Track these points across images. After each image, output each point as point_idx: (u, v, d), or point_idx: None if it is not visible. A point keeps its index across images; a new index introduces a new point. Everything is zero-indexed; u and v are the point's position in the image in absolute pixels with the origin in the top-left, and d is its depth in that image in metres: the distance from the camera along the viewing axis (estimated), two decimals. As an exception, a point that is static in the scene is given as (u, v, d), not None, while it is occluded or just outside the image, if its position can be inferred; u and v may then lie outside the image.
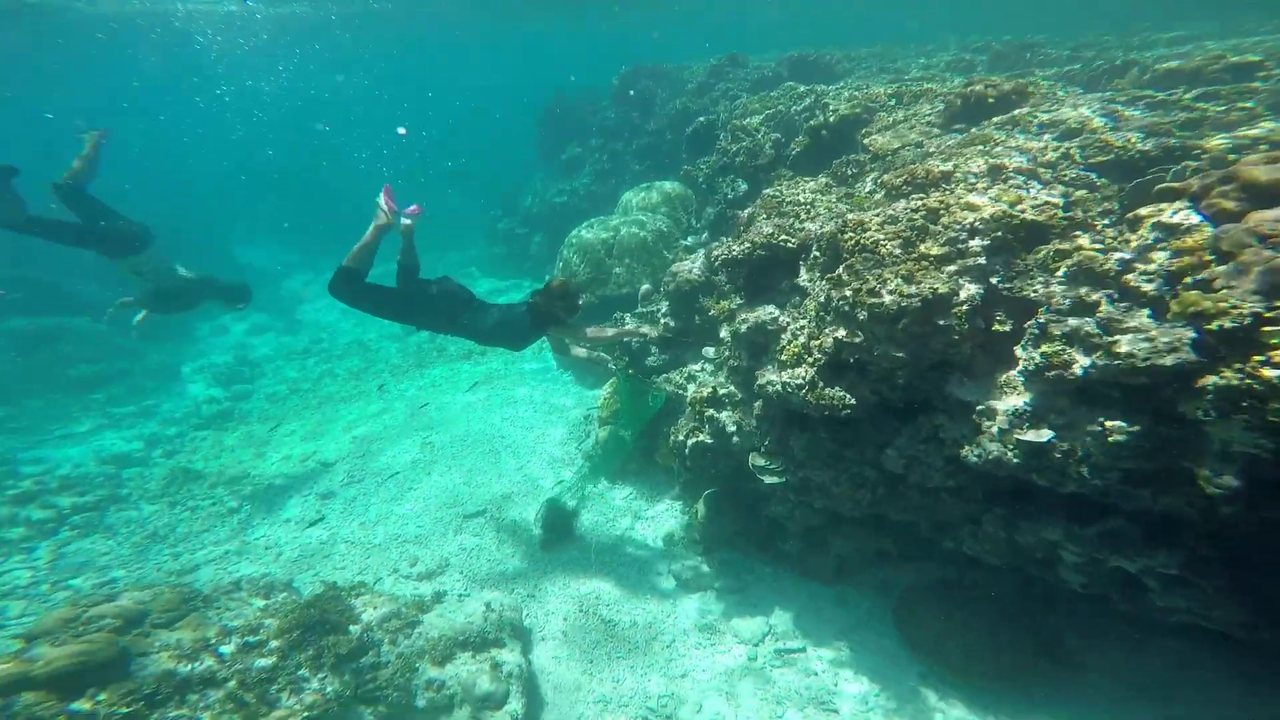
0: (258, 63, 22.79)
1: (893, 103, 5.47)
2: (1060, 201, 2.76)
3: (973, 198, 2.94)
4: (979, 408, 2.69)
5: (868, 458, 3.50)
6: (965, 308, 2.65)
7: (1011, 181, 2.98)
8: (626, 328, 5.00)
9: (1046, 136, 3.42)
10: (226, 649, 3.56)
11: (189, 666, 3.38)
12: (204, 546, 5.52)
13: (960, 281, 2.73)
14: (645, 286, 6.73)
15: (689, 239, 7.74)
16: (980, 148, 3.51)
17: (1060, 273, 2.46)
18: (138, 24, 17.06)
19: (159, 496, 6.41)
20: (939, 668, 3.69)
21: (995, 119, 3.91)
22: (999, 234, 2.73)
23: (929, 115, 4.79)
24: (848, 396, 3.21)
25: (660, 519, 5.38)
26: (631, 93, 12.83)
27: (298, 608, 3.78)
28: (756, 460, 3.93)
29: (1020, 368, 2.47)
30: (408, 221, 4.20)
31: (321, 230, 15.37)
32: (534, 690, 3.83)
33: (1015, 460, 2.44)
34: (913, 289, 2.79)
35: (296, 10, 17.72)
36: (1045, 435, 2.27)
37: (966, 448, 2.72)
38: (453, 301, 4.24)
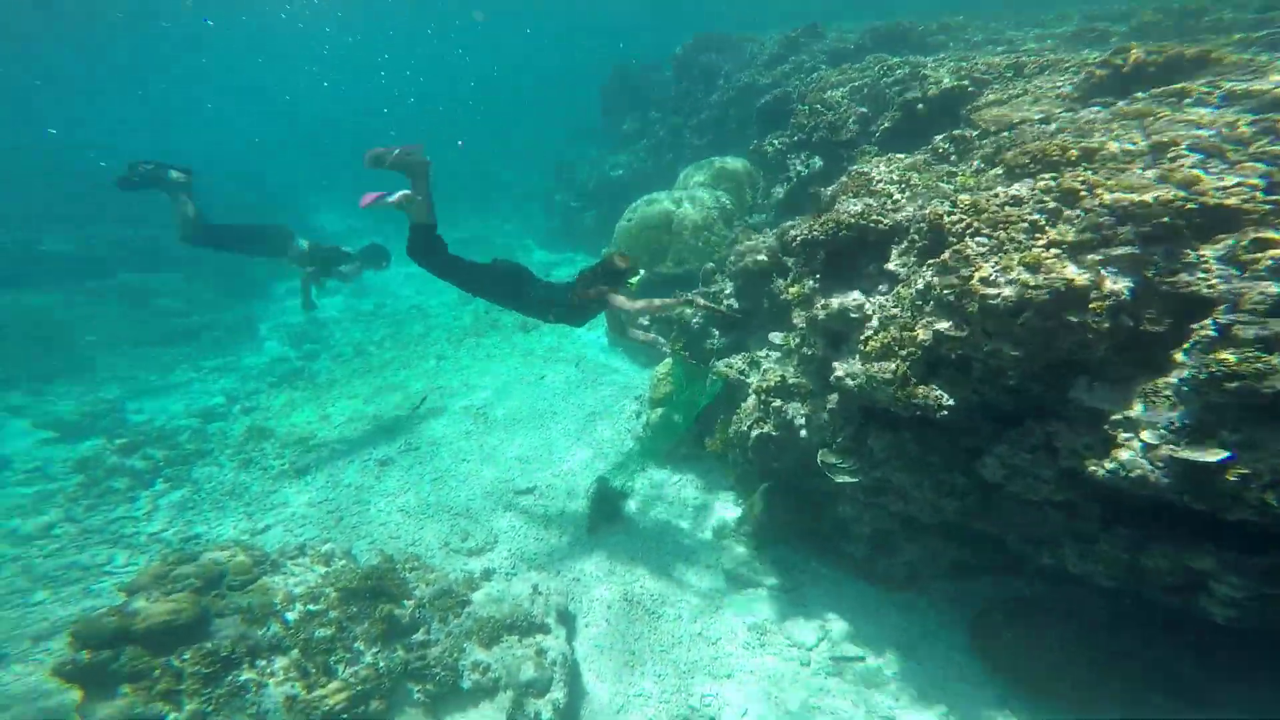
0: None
1: (1010, 74, 4.93)
2: (1260, 183, 2.28)
3: (1127, 178, 2.49)
4: (1114, 417, 2.30)
5: (958, 463, 3.16)
6: (1108, 303, 2.26)
7: (1183, 160, 2.49)
8: (676, 298, 4.84)
9: (1235, 109, 2.88)
10: (291, 615, 3.65)
11: (259, 631, 3.48)
12: (273, 507, 5.75)
13: (1103, 272, 2.33)
14: (708, 265, 6.41)
15: (755, 217, 7.34)
16: (1135, 122, 3.00)
17: (1261, 266, 2.03)
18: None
19: (237, 454, 6.73)
20: (1022, 690, 3.36)
21: (1154, 91, 3.35)
22: (1164, 219, 2.28)
23: (1058, 88, 4.26)
24: (944, 396, 2.87)
25: (711, 509, 5.17)
26: (701, 58, 12.16)
27: (356, 578, 3.83)
28: (828, 457, 3.64)
29: (1183, 375, 2.07)
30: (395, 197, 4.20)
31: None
32: (576, 679, 3.75)
33: (1163, 480, 2.06)
34: (1040, 279, 2.41)
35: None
36: (1218, 455, 1.88)
37: (1093, 461, 2.34)
38: (514, 280, 4.48)
